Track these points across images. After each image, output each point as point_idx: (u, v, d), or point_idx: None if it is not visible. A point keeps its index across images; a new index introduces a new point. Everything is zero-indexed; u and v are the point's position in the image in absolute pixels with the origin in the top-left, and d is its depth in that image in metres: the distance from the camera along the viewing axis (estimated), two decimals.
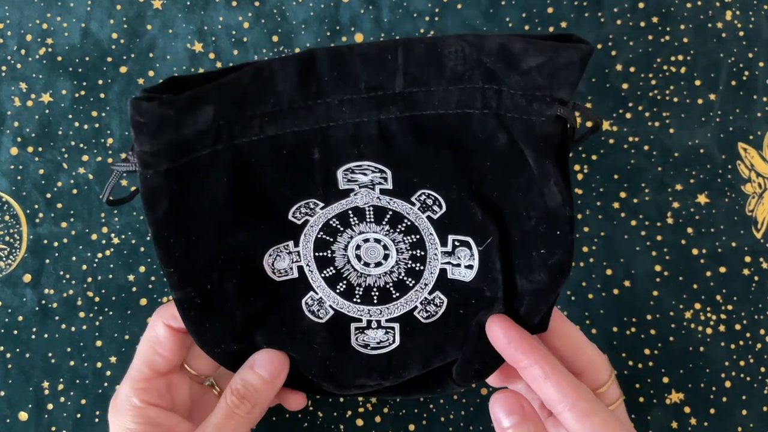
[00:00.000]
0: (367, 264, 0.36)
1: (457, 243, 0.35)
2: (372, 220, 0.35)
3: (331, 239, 0.36)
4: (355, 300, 0.36)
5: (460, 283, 0.35)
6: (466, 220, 0.34)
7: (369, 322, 0.36)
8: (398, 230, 0.35)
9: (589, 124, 0.45)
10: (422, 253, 0.35)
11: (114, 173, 0.32)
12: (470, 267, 0.35)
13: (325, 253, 0.36)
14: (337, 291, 0.36)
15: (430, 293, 0.36)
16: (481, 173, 0.33)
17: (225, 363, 0.35)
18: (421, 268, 0.36)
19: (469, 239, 0.34)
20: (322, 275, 0.36)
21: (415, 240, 0.35)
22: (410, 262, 0.36)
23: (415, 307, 0.36)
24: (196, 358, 0.37)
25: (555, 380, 0.31)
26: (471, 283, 0.35)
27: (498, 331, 0.33)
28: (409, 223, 0.35)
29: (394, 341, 0.36)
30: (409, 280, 0.36)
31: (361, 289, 0.36)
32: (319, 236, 0.35)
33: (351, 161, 0.33)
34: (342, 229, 0.35)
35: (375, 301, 0.36)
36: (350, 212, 0.35)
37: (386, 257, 0.36)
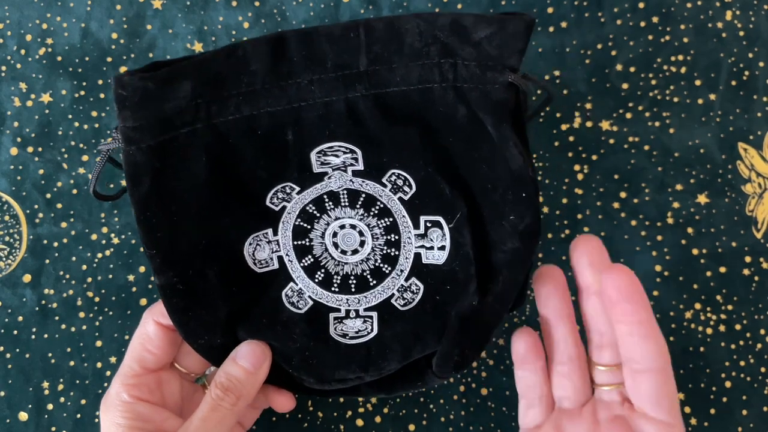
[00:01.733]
0: (344, 252, 0.36)
1: (429, 224, 0.36)
2: (346, 204, 0.36)
3: (309, 226, 0.36)
4: (333, 289, 0.36)
5: (434, 267, 0.36)
6: (435, 199, 0.35)
7: (347, 311, 0.36)
8: (372, 213, 0.36)
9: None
10: (396, 237, 0.36)
11: (100, 157, 0.34)
12: (443, 248, 0.36)
13: (303, 242, 0.36)
14: (316, 280, 0.36)
15: (406, 280, 0.36)
16: (446, 149, 0.35)
17: (209, 356, 0.36)
18: (396, 253, 0.36)
19: (440, 218, 0.36)
20: (301, 264, 0.36)
21: (388, 223, 0.36)
22: (385, 247, 0.36)
23: (392, 295, 0.36)
24: (186, 356, 0.37)
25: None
26: (444, 265, 0.36)
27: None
28: (382, 206, 0.36)
29: (372, 330, 0.36)
30: (386, 266, 0.36)
31: (339, 277, 0.36)
32: (296, 223, 0.36)
33: (323, 142, 0.35)
34: (318, 215, 0.36)
35: (353, 290, 0.36)
36: (325, 197, 0.36)
37: (362, 243, 0.36)
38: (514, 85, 0.32)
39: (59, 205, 0.44)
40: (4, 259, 0.43)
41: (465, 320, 0.34)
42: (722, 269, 0.44)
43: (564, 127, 0.44)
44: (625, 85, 0.45)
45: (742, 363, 0.43)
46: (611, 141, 0.44)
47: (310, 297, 0.36)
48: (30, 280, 0.43)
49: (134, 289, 0.43)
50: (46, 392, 0.42)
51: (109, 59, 0.44)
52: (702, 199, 0.44)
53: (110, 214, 0.44)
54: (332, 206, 0.36)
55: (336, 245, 0.36)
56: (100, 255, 0.43)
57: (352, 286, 0.36)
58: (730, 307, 0.44)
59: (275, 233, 0.36)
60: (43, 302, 0.43)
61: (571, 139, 0.44)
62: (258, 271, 0.36)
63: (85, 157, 0.44)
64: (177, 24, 0.45)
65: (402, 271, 0.36)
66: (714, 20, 0.45)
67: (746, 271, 0.44)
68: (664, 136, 0.44)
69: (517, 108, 0.34)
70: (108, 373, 0.43)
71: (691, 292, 0.44)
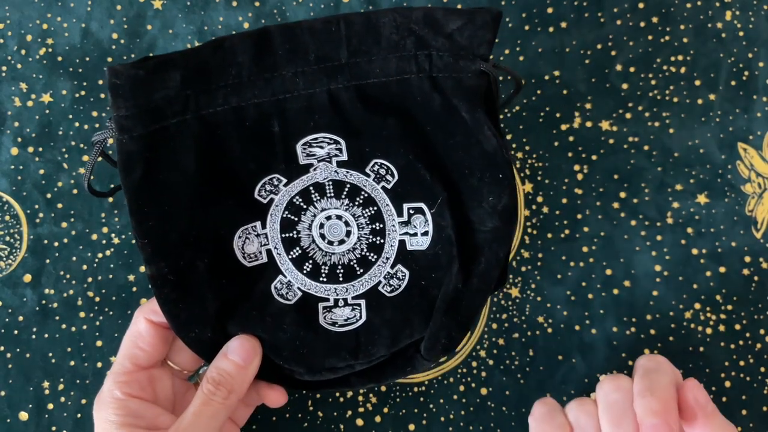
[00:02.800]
0: (331, 242, 0.37)
1: (411, 211, 0.37)
2: (332, 195, 0.37)
3: (296, 219, 0.37)
4: (321, 279, 0.37)
5: (418, 252, 0.37)
6: (417, 186, 0.37)
7: (336, 300, 0.37)
8: (357, 203, 0.37)
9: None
10: (381, 225, 0.37)
11: (94, 149, 0.34)
12: (426, 234, 0.37)
13: (291, 234, 0.37)
14: (304, 272, 0.37)
15: (392, 267, 0.37)
16: (425, 137, 0.36)
17: (199, 351, 0.36)
18: (382, 241, 0.37)
19: (422, 205, 0.37)
20: (290, 256, 0.37)
21: (373, 212, 0.37)
22: (371, 236, 0.37)
23: (379, 282, 0.37)
24: (178, 353, 0.38)
25: None
26: (428, 250, 0.37)
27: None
28: (366, 196, 0.37)
29: (360, 317, 0.37)
30: (372, 255, 0.37)
31: (327, 267, 0.37)
32: (284, 216, 0.37)
33: (308, 134, 0.36)
34: (305, 206, 0.37)
35: (340, 279, 0.37)
36: (311, 188, 0.37)
37: (348, 234, 0.37)
38: (486, 73, 0.34)
39: (59, 205, 0.44)
40: (4, 259, 0.43)
41: (451, 303, 0.35)
42: (722, 269, 0.44)
43: (564, 127, 0.45)
44: (624, 85, 0.45)
45: (742, 363, 0.43)
46: (611, 141, 0.44)
47: (299, 288, 0.37)
48: (30, 280, 0.43)
49: (134, 289, 0.43)
50: (47, 392, 0.42)
51: (109, 59, 0.44)
52: (702, 199, 0.44)
53: (110, 214, 0.44)
54: (318, 197, 0.37)
55: (323, 236, 0.37)
56: (100, 255, 0.43)
57: (340, 275, 0.37)
58: (729, 307, 0.44)
59: (263, 226, 0.37)
60: (44, 302, 0.43)
61: (571, 139, 0.45)
62: (247, 265, 0.37)
63: (85, 157, 0.44)
64: (177, 24, 0.45)
65: (388, 258, 0.37)
66: (714, 20, 0.45)
67: (746, 271, 0.44)
68: (664, 136, 0.44)
69: (490, 95, 0.35)
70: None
71: (691, 292, 0.44)
